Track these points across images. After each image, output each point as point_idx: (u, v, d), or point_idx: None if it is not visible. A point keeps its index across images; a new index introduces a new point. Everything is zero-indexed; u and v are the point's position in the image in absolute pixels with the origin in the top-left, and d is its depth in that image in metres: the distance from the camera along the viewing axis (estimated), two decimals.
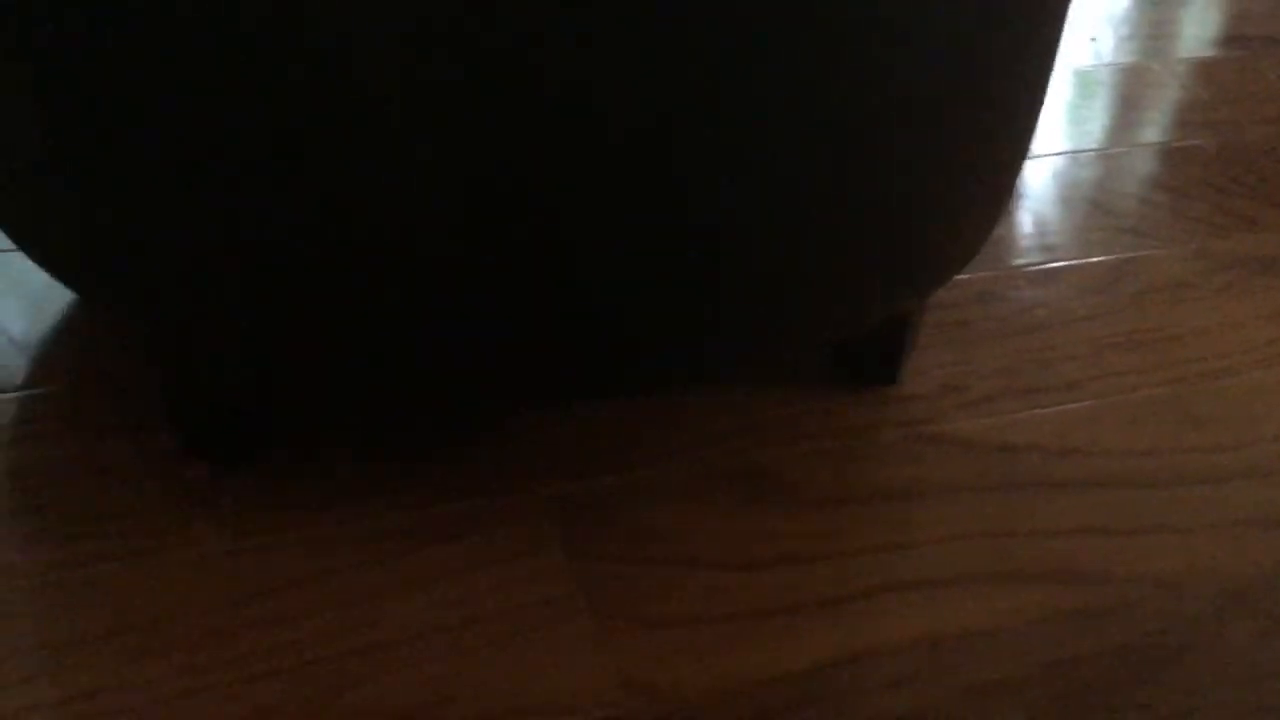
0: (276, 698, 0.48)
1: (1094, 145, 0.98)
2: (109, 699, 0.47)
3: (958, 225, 0.58)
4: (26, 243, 0.55)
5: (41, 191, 0.50)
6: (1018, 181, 0.63)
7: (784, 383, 0.68)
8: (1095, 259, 0.83)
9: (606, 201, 0.46)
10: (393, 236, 0.46)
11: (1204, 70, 1.13)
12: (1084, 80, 1.09)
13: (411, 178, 0.44)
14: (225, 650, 0.50)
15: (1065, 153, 0.97)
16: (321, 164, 0.44)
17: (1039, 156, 0.96)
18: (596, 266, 0.48)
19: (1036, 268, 0.81)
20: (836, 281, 0.54)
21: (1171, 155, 0.97)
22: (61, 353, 0.65)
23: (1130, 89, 1.08)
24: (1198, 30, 1.22)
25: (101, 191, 0.48)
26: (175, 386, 0.58)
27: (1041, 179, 0.93)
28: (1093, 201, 0.90)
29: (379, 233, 0.46)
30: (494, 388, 0.53)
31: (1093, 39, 1.17)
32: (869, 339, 0.67)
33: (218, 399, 0.57)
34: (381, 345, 0.49)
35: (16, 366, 0.64)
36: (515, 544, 0.56)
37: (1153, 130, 1.01)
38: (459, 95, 0.43)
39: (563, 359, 0.51)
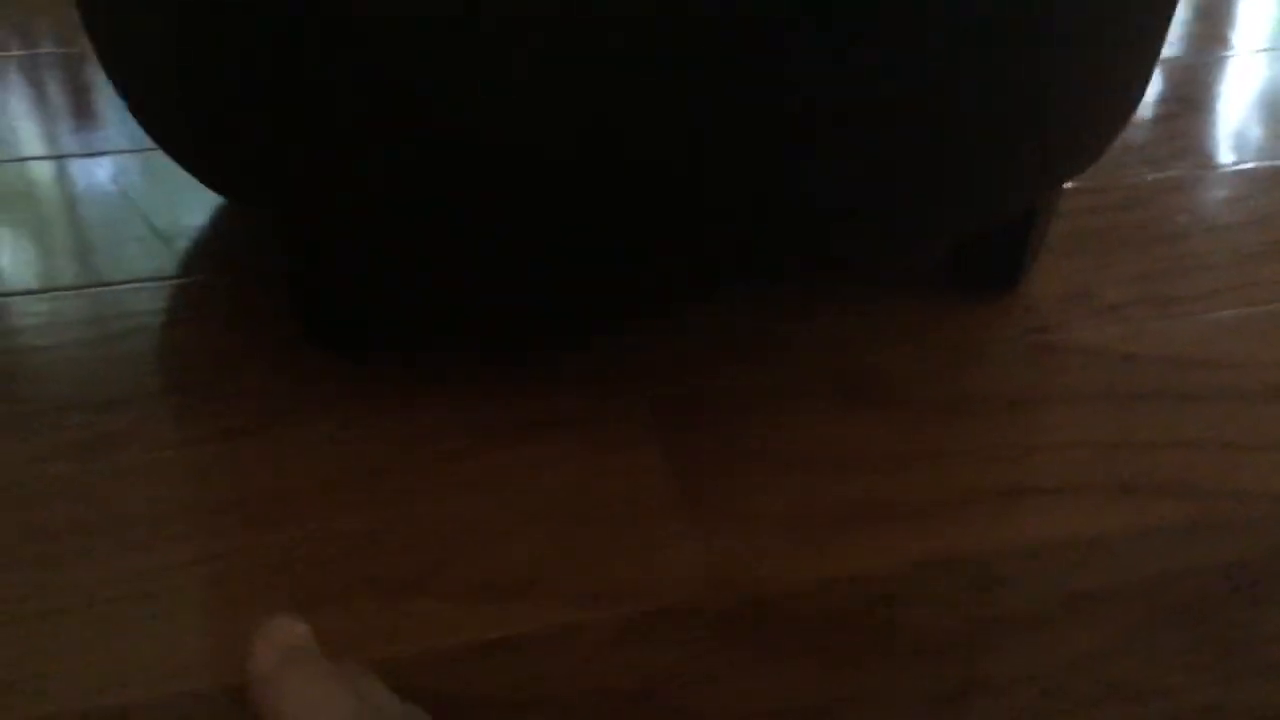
0: (380, 569, 0.51)
1: (1265, 45, 0.92)
2: (235, 560, 0.51)
3: (1080, 120, 0.56)
4: (163, 138, 0.58)
5: (178, 91, 0.53)
6: (1147, 76, 0.60)
7: (899, 287, 0.67)
8: (1252, 164, 0.78)
9: (728, 75, 0.46)
10: (521, 140, 0.47)
11: None
12: None
13: (539, 80, 0.45)
14: (332, 524, 0.53)
15: (1231, 53, 0.91)
16: (450, 74, 0.46)
17: (1201, 54, 0.91)
18: (724, 144, 0.48)
19: (1188, 173, 0.77)
20: (952, 171, 0.53)
21: None
22: (205, 245, 0.69)
23: None
24: None
25: (244, 97, 0.50)
26: (302, 283, 0.60)
27: (1205, 79, 0.88)
28: (1260, 103, 0.85)
29: (508, 145, 0.47)
30: (622, 276, 0.54)
31: None
32: (990, 243, 0.65)
33: (340, 298, 0.60)
34: (507, 235, 0.51)
35: (163, 257, 0.68)
36: (613, 440, 0.57)
37: None
38: None
39: (695, 244, 0.51)
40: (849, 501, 0.55)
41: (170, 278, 0.67)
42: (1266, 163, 0.78)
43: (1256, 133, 0.82)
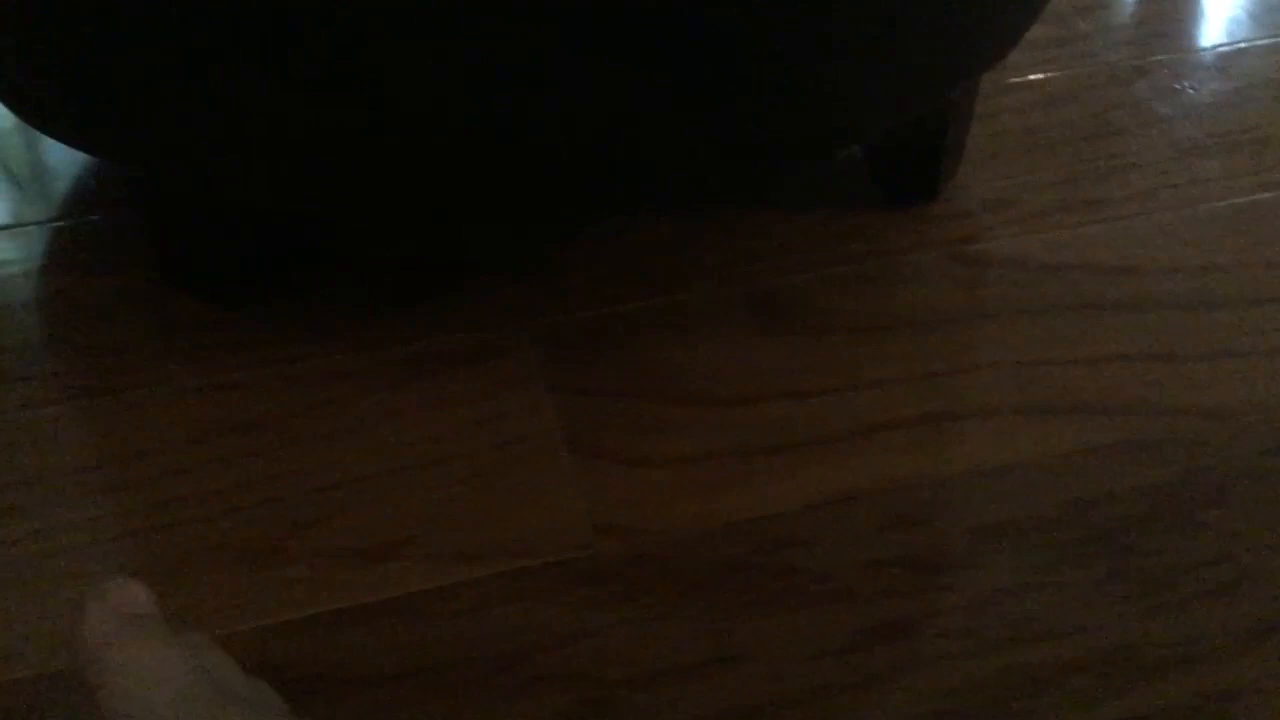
0: (239, 534, 0.47)
1: None
2: (76, 534, 0.47)
3: (984, 7, 0.51)
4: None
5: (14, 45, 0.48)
6: None
7: (812, 204, 0.63)
8: (1198, 50, 0.74)
9: None
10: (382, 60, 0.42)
11: None
12: None
13: None
14: (191, 486, 0.49)
15: None
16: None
17: None
18: (604, 50, 0.43)
19: (1124, 63, 0.73)
20: (853, 66, 0.48)
21: None
22: (64, 187, 0.65)
23: None
24: None
25: (72, 26, 0.46)
26: (161, 226, 0.56)
27: None
28: None
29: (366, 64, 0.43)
30: (503, 196, 0.50)
31: None
32: (906, 150, 0.61)
33: (203, 241, 0.55)
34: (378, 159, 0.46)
35: (17, 201, 0.63)
36: (495, 381, 0.53)
37: None
38: None
39: (575, 165, 0.47)
40: (751, 436, 0.51)
41: (23, 224, 0.62)
42: (1206, 49, 0.73)
43: (1193, 16, 0.77)
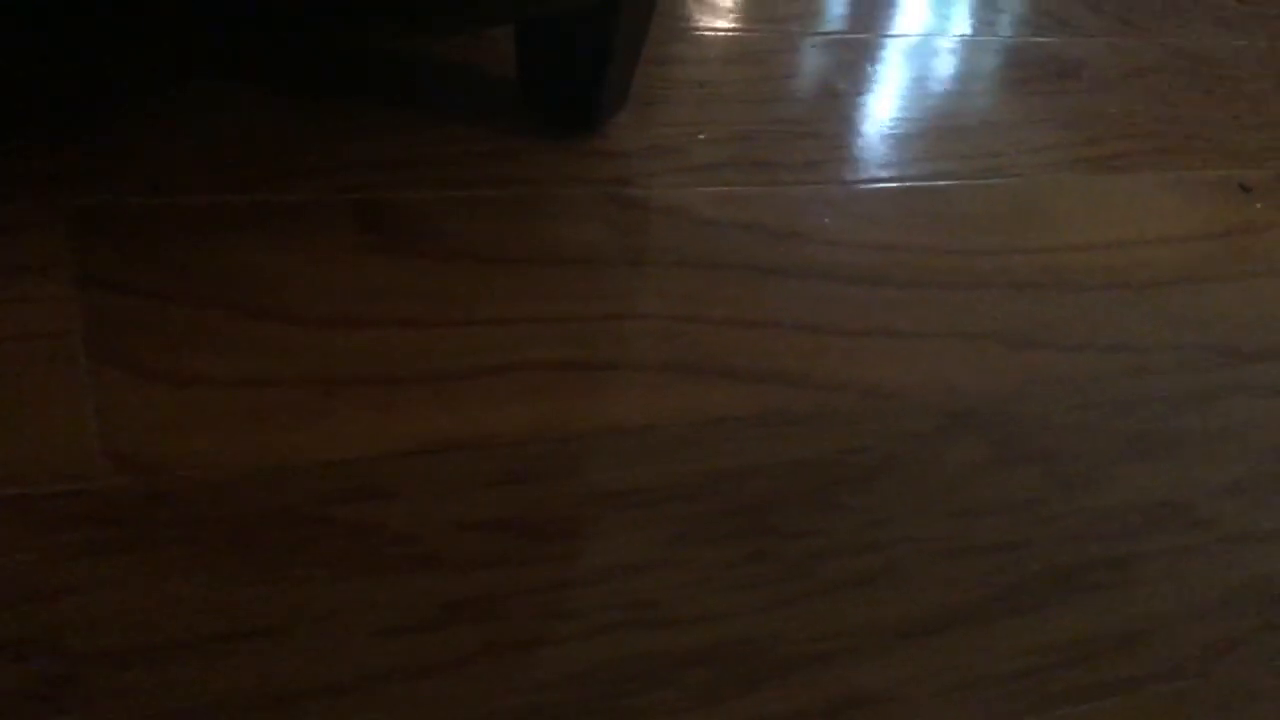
0: None
1: None
2: None
3: None
4: None
5: None
6: None
7: (458, 119, 0.53)
8: (895, 34, 0.70)
9: None
10: None
11: None
12: None
13: None
14: None
15: None
16: None
17: None
18: None
19: (820, 35, 0.68)
20: None
21: None
22: None
23: None
24: None
25: None
26: None
27: None
28: None
29: None
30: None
31: None
32: (566, 71, 0.53)
33: None
34: None
35: None
36: (9, 261, 0.41)
37: None
38: None
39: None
40: (338, 364, 0.41)
41: None
42: (896, 36, 0.70)
43: (891, 4, 0.74)
